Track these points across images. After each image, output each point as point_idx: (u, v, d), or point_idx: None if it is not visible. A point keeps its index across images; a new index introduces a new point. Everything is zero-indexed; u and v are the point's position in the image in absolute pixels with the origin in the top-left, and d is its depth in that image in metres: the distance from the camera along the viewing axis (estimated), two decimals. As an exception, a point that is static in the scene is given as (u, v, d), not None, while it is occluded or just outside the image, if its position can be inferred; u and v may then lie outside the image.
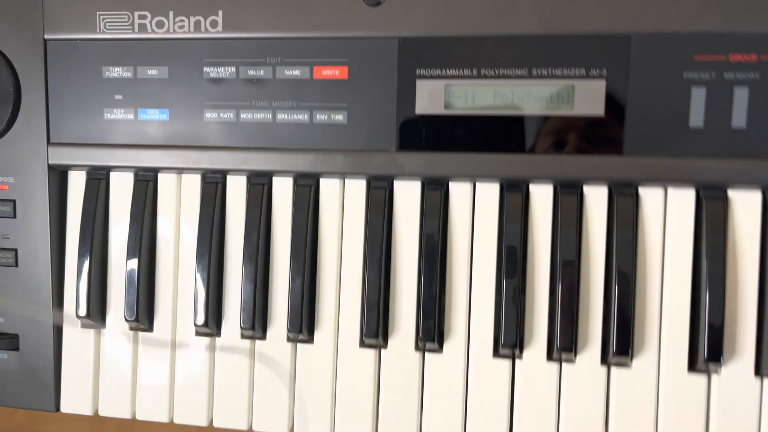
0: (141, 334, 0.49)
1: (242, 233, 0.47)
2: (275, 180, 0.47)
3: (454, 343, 0.45)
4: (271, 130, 0.45)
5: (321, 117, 0.45)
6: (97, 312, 0.49)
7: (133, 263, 0.48)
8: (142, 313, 0.48)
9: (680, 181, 0.42)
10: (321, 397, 0.46)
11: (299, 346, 0.47)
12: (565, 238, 0.43)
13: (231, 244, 0.48)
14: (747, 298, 0.42)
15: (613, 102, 0.41)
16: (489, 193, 0.45)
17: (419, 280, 0.45)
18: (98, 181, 0.49)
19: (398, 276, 0.46)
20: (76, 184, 0.50)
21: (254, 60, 0.45)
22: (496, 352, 0.44)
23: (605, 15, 0.41)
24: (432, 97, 0.43)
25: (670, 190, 0.43)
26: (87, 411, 0.49)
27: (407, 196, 0.45)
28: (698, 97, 0.41)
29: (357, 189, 0.46)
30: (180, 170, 0.48)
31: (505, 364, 0.44)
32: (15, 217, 0.50)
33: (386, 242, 0.46)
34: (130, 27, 0.47)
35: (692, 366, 0.42)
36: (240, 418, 0.47)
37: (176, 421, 0.48)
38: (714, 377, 0.42)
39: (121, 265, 0.49)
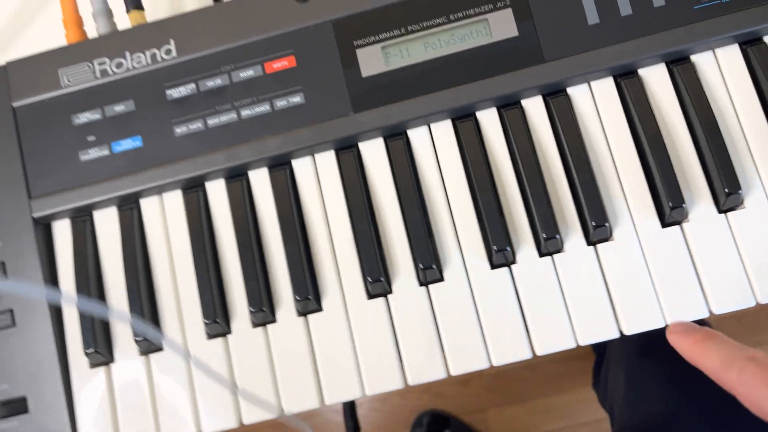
0: (152, 356, 0.49)
1: (232, 231, 0.50)
2: (251, 174, 0.51)
3: (451, 269, 0.48)
4: (239, 127, 0.50)
5: (281, 103, 0.50)
6: (104, 344, 0.49)
7: (133, 286, 0.49)
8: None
9: (597, 70, 0.48)
10: (343, 359, 0.47)
11: (310, 317, 0.48)
12: (521, 148, 0.48)
13: (223, 243, 0.50)
14: (686, 148, 0.47)
15: (522, 23, 0.49)
16: (444, 131, 0.50)
17: (404, 222, 0.48)
18: (84, 222, 0.51)
19: (386, 226, 0.49)
20: (62, 232, 0.51)
21: (210, 72, 0.51)
22: (491, 263, 0.47)
23: (494, -40, 0.50)
24: (373, 60, 0.50)
25: (593, 84, 0.49)
26: (111, 452, 0.48)
27: (374, 153, 0.50)
28: (587, 0, 0.48)
29: (328, 159, 0.50)
30: (160, 189, 0.51)
31: (503, 272, 0.47)
32: (6, 278, 0.51)
33: (366, 197, 0.49)
34: (92, 75, 0.51)
35: (663, 221, 0.47)
36: (270, 406, 0.47)
37: (204, 430, 0.48)
38: (685, 225, 0.46)
39: (121, 295, 0.50)
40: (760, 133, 0.47)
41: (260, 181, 0.51)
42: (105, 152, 0.51)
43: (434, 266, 0.47)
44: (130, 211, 0.51)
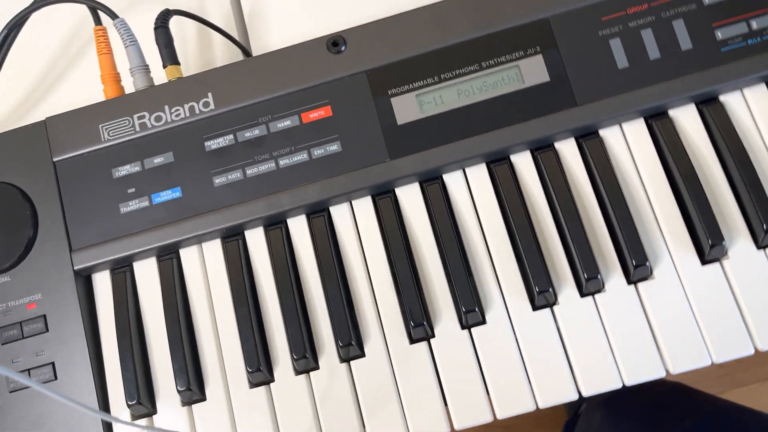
0: (195, 407, 0.49)
1: (272, 279, 0.50)
2: (290, 222, 0.51)
3: (494, 311, 0.48)
4: (277, 176, 0.51)
5: (318, 152, 0.51)
6: (146, 397, 0.49)
7: (176, 336, 0.49)
8: (194, 383, 0.48)
9: (628, 112, 0.49)
10: (388, 404, 0.47)
11: (354, 363, 0.48)
12: (558, 189, 0.49)
13: (264, 291, 0.50)
14: (720, 186, 0.48)
15: (553, 68, 0.50)
16: (480, 174, 0.51)
17: (445, 265, 0.49)
18: (123, 273, 0.52)
19: (426, 270, 0.49)
20: (102, 284, 0.52)
21: (248, 124, 0.52)
22: (533, 305, 0.48)
23: (524, 8, 0.51)
24: (407, 108, 0.51)
25: (625, 125, 0.50)
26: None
27: (411, 197, 0.51)
28: (616, 45, 0.50)
29: (365, 205, 0.51)
30: (200, 238, 0.51)
31: (545, 313, 0.47)
32: (47, 331, 0.51)
33: (404, 241, 0.50)
34: (132, 128, 0.53)
35: (703, 258, 0.47)
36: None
37: (250, 481, 0.47)
38: (725, 262, 0.47)
39: (163, 345, 0.50)
40: (793, 170, 0.48)
41: (299, 228, 0.51)
42: (145, 203, 0.52)
43: (476, 309, 0.47)
44: (169, 261, 0.51)
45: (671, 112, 0.50)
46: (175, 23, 0.57)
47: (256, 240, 0.52)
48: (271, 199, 0.50)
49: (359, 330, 0.49)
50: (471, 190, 0.51)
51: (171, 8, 0.57)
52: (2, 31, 0.57)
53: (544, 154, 0.50)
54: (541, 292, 0.47)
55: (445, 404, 0.47)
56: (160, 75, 0.56)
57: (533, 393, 0.46)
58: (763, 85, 0.49)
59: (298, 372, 0.49)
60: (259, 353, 0.48)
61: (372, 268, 0.50)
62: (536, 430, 1.24)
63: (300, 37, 0.61)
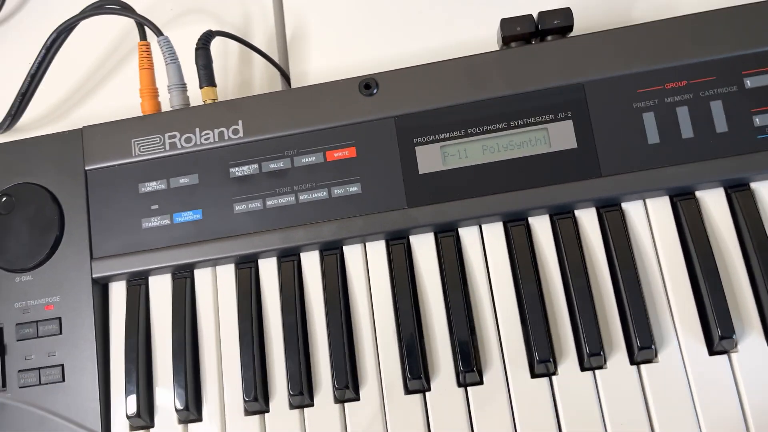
0: (190, 426, 0.50)
1: (279, 311, 0.51)
2: (303, 256, 0.52)
3: (492, 373, 0.48)
4: (296, 210, 0.51)
5: (338, 191, 0.51)
6: (145, 410, 0.50)
7: (180, 355, 0.50)
8: (191, 403, 0.50)
9: (653, 189, 0.48)
10: (376, 451, 0.48)
11: (347, 406, 0.49)
12: (572, 259, 0.49)
13: (269, 321, 0.51)
14: (739, 276, 0.47)
15: (582, 135, 0.50)
16: (496, 233, 0.50)
17: (449, 321, 0.49)
18: (138, 286, 0.53)
19: (430, 321, 0.50)
20: (118, 294, 0.54)
21: (274, 155, 0.53)
22: (532, 372, 0.48)
23: (560, 71, 0.51)
24: (431, 158, 0.51)
25: (648, 201, 0.49)
26: None
27: (424, 247, 0.51)
28: (649, 120, 0.49)
29: (378, 249, 0.51)
30: (215, 262, 0.52)
31: (543, 382, 0.47)
32: (61, 333, 0.53)
33: (412, 290, 0.50)
34: (162, 147, 0.54)
35: (711, 349, 0.46)
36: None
37: (235, 508, 0.48)
38: (733, 355, 0.46)
39: (167, 361, 0.51)
40: (817, 269, 0.46)
41: (311, 263, 0.52)
42: (166, 221, 0.53)
43: (475, 369, 0.47)
44: (183, 281, 0.53)
45: (698, 193, 0.49)
46: (217, 39, 0.58)
47: (268, 270, 0.52)
48: (288, 232, 0.51)
49: (357, 373, 0.50)
50: (485, 247, 0.50)
51: (214, 30, 0.58)
52: (51, 34, 0.59)
53: (563, 222, 0.49)
54: (541, 362, 0.46)
55: (433, 459, 0.47)
56: (196, 93, 0.57)
57: (521, 461, 0.46)
58: (797, 178, 0.48)
59: (293, 406, 0.50)
60: (257, 383, 0.49)
61: (377, 313, 0.50)
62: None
63: (339, 65, 0.62)
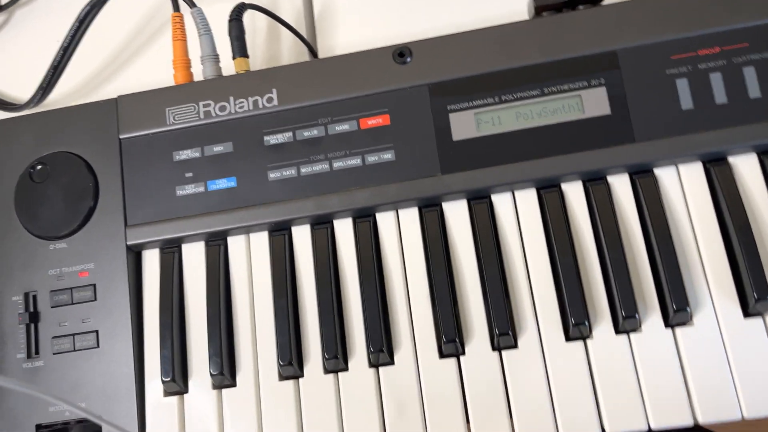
0: (224, 391, 0.51)
1: (313, 277, 0.52)
2: (336, 223, 0.53)
3: (526, 337, 0.48)
4: (330, 178, 0.52)
5: (372, 159, 0.52)
6: (180, 375, 0.51)
7: (215, 320, 0.51)
8: (226, 368, 0.50)
9: (686, 155, 0.49)
10: (412, 414, 0.48)
11: (382, 370, 0.49)
12: (606, 224, 0.49)
13: (303, 288, 0.52)
14: (774, 240, 0.47)
15: (615, 102, 0.50)
16: (529, 199, 0.51)
17: (483, 286, 0.49)
18: (172, 254, 0.54)
19: (464, 287, 0.50)
20: (151, 261, 0.54)
21: (308, 123, 0.53)
22: (567, 335, 0.48)
23: (592, 39, 0.51)
24: (464, 125, 0.51)
25: (681, 167, 0.50)
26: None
27: (457, 214, 0.51)
28: (683, 86, 0.49)
29: (411, 216, 0.52)
30: (248, 229, 0.53)
31: (578, 345, 0.47)
32: (95, 300, 0.53)
33: (446, 256, 0.50)
34: (197, 115, 0.54)
35: (746, 311, 0.46)
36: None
37: (269, 470, 0.49)
38: (768, 317, 0.46)
39: (201, 328, 0.52)
40: None
41: (344, 230, 0.52)
42: (200, 189, 0.53)
43: (510, 333, 0.47)
44: (217, 248, 0.53)
45: (731, 159, 0.49)
46: (246, 15, 0.58)
47: (302, 237, 0.53)
48: (321, 199, 0.52)
49: (391, 337, 0.50)
50: (518, 213, 0.51)
51: (246, 2, 0.58)
52: (85, 7, 0.59)
53: (596, 187, 0.50)
54: (576, 325, 0.47)
55: (468, 421, 0.47)
56: (228, 65, 0.58)
57: (557, 425, 0.46)
58: (831, 143, 0.48)
59: (327, 371, 0.50)
60: (292, 348, 0.49)
61: (411, 279, 0.51)
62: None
63: (365, 41, 0.62)
